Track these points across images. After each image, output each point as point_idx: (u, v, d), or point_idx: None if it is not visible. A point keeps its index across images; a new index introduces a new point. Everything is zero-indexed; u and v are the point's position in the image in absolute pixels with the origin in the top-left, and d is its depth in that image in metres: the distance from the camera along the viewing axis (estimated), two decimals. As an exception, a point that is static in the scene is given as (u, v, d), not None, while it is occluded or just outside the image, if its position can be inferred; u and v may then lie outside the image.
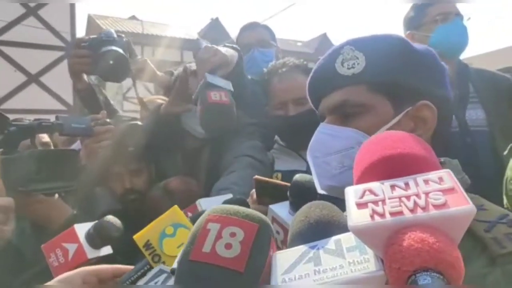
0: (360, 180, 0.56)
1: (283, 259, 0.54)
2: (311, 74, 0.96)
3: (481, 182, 1.74)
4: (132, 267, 0.80)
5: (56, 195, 1.41)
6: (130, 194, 1.78)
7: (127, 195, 1.78)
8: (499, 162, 1.50)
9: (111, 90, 13.30)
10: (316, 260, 0.51)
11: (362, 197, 0.50)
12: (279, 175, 1.67)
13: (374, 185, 0.51)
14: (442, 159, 0.87)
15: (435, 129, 0.85)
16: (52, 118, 1.46)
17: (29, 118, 1.46)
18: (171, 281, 0.70)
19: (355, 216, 0.48)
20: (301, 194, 0.91)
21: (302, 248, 0.54)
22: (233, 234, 0.52)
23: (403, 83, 0.85)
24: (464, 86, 1.97)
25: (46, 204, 1.35)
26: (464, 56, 2.10)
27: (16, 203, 1.34)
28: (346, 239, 0.53)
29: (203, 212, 0.82)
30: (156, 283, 0.72)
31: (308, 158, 0.93)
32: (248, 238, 0.52)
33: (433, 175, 0.50)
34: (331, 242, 0.54)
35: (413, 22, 2.09)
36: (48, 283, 0.81)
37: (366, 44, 0.88)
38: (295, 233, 0.61)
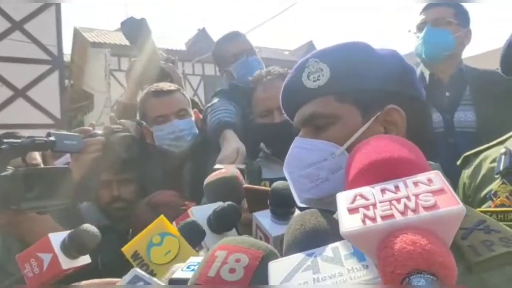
0: (351, 185, 0.56)
1: (280, 268, 0.54)
2: (282, 89, 0.96)
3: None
4: (119, 279, 0.80)
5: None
6: (117, 202, 1.77)
7: (113, 203, 1.77)
8: None
9: (99, 102, 13.27)
10: (315, 268, 0.52)
11: (353, 202, 0.50)
12: (267, 183, 1.67)
13: (365, 189, 0.52)
14: None
15: (412, 129, 0.85)
16: (40, 132, 1.46)
17: (21, 134, 1.45)
18: None
19: (347, 221, 0.48)
20: (280, 202, 0.92)
21: (299, 256, 0.55)
22: (238, 260, 0.54)
23: (369, 89, 0.85)
24: (459, 89, 2.01)
25: (38, 223, 1.33)
26: (474, 53, 2.16)
27: (7, 221, 1.32)
28: (344, 246, 0.53)
29: (191, 220, 0.85)
30: None
31: (285, 173, 0.92)
32: (252, 264, 0.54)
33: (422, 177, 0.50)
34: (328, 250, 0.54)
35: (416, 29, 2.18)
36: None
37: (329, 55, 0.88)
38: (291, 241, 0.61)
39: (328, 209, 0.85)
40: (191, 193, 1.76)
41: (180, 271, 0.67)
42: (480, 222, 0.68)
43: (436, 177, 0.49)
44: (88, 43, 14.38)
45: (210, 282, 0.52)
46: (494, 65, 2.31)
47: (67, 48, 13.11)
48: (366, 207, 0.48)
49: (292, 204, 0.90)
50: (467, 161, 1.44)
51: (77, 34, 15.26)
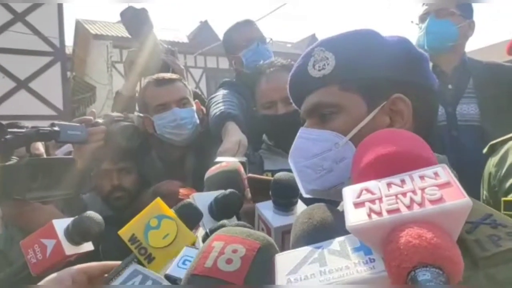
0: (358, 180, 0.56)
1: (287, 260, 0.54)
2: (289, 79, 0.95)
3: (464, 174, 1.76)
4: (120, 262, 0.80)
5: None
6: (117, 191, 1.76)
7: (114, 192, 1.76)
8: (485, 156, 1.52)
9: (101, 94, 13.28)
10: (321, 261, 0.52)
11: (359, 196, 0.50)
12: (269, 175, 1.67)
13: (371, 184, 0.51)
14: None
15: (420, 119, 0.84)
16: (42, 123, 1.45)
17: (24, 124, 1.45)
18: (148, 283, 0.72)
19: (353, 215, 0.48)
20: (283, 192, 0.90)
21: (306, 249, 0.55)
22: (235, 251, 0.54)
23: (374, 78, 0.83)
24: (462, 81, 1.99)
25: (42, 212, 1.33)
26: (477, 46, 2.13)
27: (10, 211, 1.33)
28: (351, 240, 0.53)
29: (188, 202, 0.83)
30: (133, 283, 0.72)
31: (290, 164, 0.92)
32: (249, 254, 0.54)
33: (428, 170, 0.50)
34: (335, 243, 0.54)
35: (418, 20, 2.15)
36: (39, 284, 0.80)
37: (335, 44, 0.87)
38: (299, 234, 0.61)
39: (333, 199, 0.85)
40: (193, 184, 1.76)
41: (176, 267, 0.67)
42: (486, 216, 0.67)
43: (442, 171, 0.49)
44: (90, 35, 14.37)
45: (207, 272, 0.52)
46: (498, 59, 2.30)
47: (69, 40, 13.13)
48: (372, 201, 0.48)
49: (295, 194, 0.89)
50: (493, 150, 1.42)
51: (79, 26, 15.24)
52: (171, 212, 0.80)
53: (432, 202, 0.45)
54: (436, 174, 0.49)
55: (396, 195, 0.48)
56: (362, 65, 0.84)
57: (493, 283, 0.59)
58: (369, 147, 0.59)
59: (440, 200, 0.45)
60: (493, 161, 1.38)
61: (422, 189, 0.47)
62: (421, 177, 0.49)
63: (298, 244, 0.59)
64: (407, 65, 0.85)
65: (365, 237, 0.48)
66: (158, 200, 0.81)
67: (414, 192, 0.47)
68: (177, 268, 0.67)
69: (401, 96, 0.82)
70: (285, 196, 0.90)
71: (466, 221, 0.65)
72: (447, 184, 0.47)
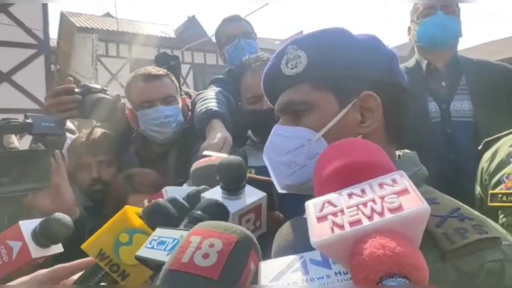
0: (320, 192, 0.56)
1: (270, 268, 0.55)
2: (262, 77, 0.97)
3: (458, 171, 1.76)
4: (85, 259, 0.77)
5: None
6: (96, 184, 1.74)
7: (93, 185, 1.75)
8: (479, 152, 1.55)
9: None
10: (304, 270, 0.53)
11: (321, 210, 0.50)
12: (253, 171, 1.66)
13: (333, 196, 0.52)
14: (400, 152, 0.90)
15: (390, 115, 0.86)
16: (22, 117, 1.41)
17: (-1, 117, 1.40)
18: None
19: (316, 230, 0.48)
20: (230, 181, 0.87)
21: (289, 258, 0.56)
22: (211, 245, 0.54)
23: (345, 76, 0.85)
24: (455, 78, 2.01)
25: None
26: (464, 46, 2.14)
27: None
28: None
29: (157, 205, 0.77)
30: None
31: (265, 160, 0.93)
32: (226, 249, 0.54)
33: (387, 178, 0.51)
34: (317, 254, 0.55)
35: (411, 16, 2.16)
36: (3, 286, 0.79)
37: (307, 42, 0.88)
38: (282, 244, 0.63)
39: (307, 194, 0.85)
40: (176, 180, 1.74)
41: (145, 248, 0.67)
42: (454, 210, 0.69)
43: (399, 178, 0.50)
44: (75, 28, 14.16)
45: (183, 267, 0.53)
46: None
47: (53, 33, 12.94)
48: (334, 214, 0.48)
49: (242, 178, 0.87)
50: (488, 146, 1.45)
51: (63, 18, 15.01)
52: (141, 223, 0.75)
53: (392, 210, 0.46)
54: (394, 181, 0.50)
55: (357, 206, 0.48)
56: (333, 63, 0.86)
57: (460, 274, 0.61)
58: (329, 158, 0.60)
59: (399, 208, 0.46)
60: (485, 156, 1.43)
61: (382, 198, 0.48)
62: (380, 185, 0.50)
63: (281, 253, 0.60)
64: (376, 63, 0.87)
65: (331, 252, 0.48)
66: (126, 209, 0.77)
67: (374, 201, 0.48)
68: (145, 249, 0.66)
69: (370, 93, 0.84)
70: (233, 182, 0.86)
71: (436, 214, 0.68)
72: (405, 191, 0.48)
